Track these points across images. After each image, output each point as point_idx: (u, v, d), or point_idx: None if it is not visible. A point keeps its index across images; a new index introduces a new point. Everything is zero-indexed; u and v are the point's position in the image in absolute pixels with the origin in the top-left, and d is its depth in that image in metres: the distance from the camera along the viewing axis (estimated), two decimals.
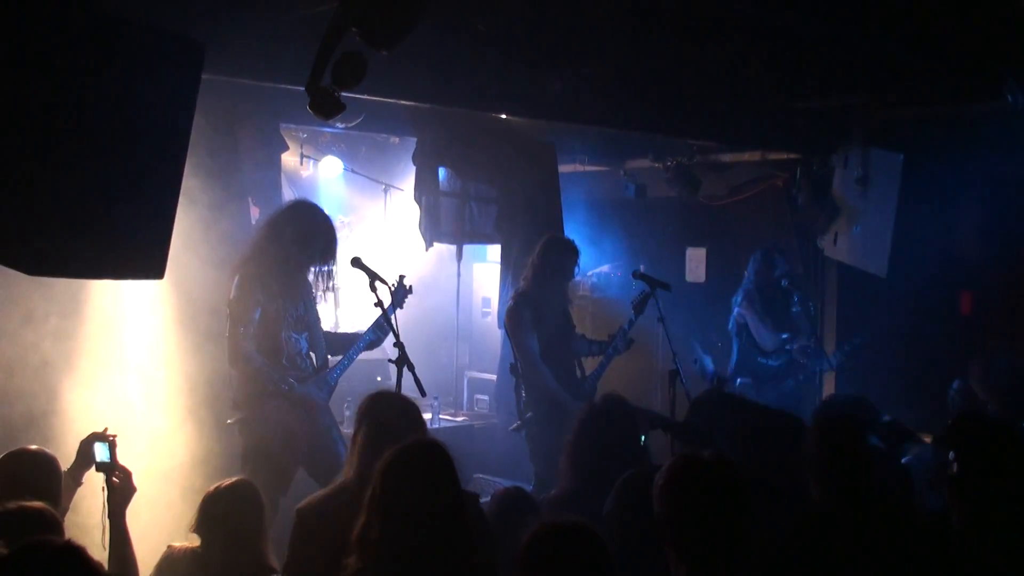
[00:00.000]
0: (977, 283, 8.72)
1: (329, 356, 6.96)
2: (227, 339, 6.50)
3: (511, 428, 7.73)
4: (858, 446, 4.59)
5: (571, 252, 7.63)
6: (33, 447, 4.75)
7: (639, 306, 7.71)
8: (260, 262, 6.56)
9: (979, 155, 7.99)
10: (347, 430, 7.07)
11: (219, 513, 4.54)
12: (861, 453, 4.57)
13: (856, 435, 4.64)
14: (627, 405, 5.41)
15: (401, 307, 7.08)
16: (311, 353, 6.78)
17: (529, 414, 7.46)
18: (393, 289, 7.03)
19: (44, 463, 4.62)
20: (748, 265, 8.78)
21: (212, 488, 4.67)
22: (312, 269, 6.76)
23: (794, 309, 8.60)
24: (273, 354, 6.53)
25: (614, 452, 5.06)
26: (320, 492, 4.73)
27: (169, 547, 4.67)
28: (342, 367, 6.87)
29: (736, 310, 8.69)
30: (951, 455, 4.21)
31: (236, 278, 6.54)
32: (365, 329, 7.05)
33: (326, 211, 7.01)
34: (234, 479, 4.77)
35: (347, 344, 6.99)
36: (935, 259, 8.58)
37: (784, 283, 8.59)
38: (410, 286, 7.21)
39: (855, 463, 4.49)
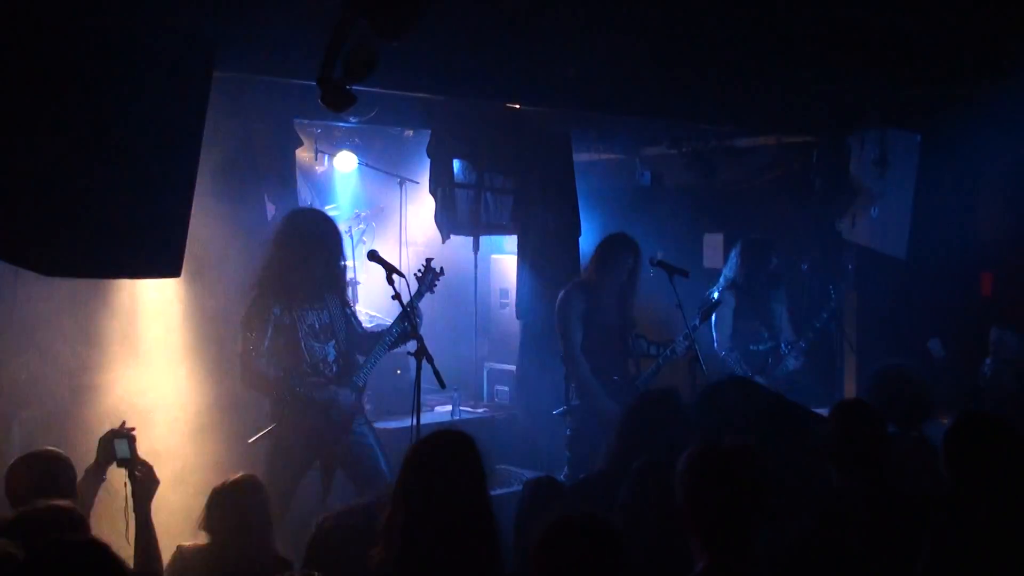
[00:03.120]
0: (998, 263, 8.65)
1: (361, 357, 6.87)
2: (239, 360, 6.47)
3: (555, 412, 7.75)
4: (876, 430, 4.59)
5: (630, 248, 7.61)
6: (47, 448, 4.77)
7: (706, 313, 7.67)
8: (273, 278, 6.52)
9: (997, 134, 7.93)
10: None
11: (226, 508, 4.54)
12: (879, 437, 4.58)
13: (873, 418, 4.65)
14: (678, 400, 5.46)
15: (432, 291, 7.04)
16: (340, 360, 6.68)
17: (576, 402, 7.50)
18: (420, 274, 7.01)
19: (58, 464, 4.64)
20: (732, 255, 8.61)
21: (219, 484, 4.67)
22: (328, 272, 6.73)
23: (776, 306, 8.45)
24: (294, 364, 6.48)
25: (658, 441, 5.05)
26: (345, 506, 4.75)
27: (178, 547, 4.66)
28: (367, 368, 6.76)
29: (716, 293, 8.51)
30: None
31: (251, 297, 6.52)
32: (390, 325, 6.98)
33: (329, 212, 6.99)
34: (240, 474, 4.77)
35: (375, 343, 6.86)
36: (955, 240, 8.53)
37: (774, 261, 8.46)
38: (440, 268, 7.15)
39: (873, 447, 4.50)
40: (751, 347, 8.25)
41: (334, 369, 6.63)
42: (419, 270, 7.04)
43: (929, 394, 5.71)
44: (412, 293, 6.69)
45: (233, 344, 6.56)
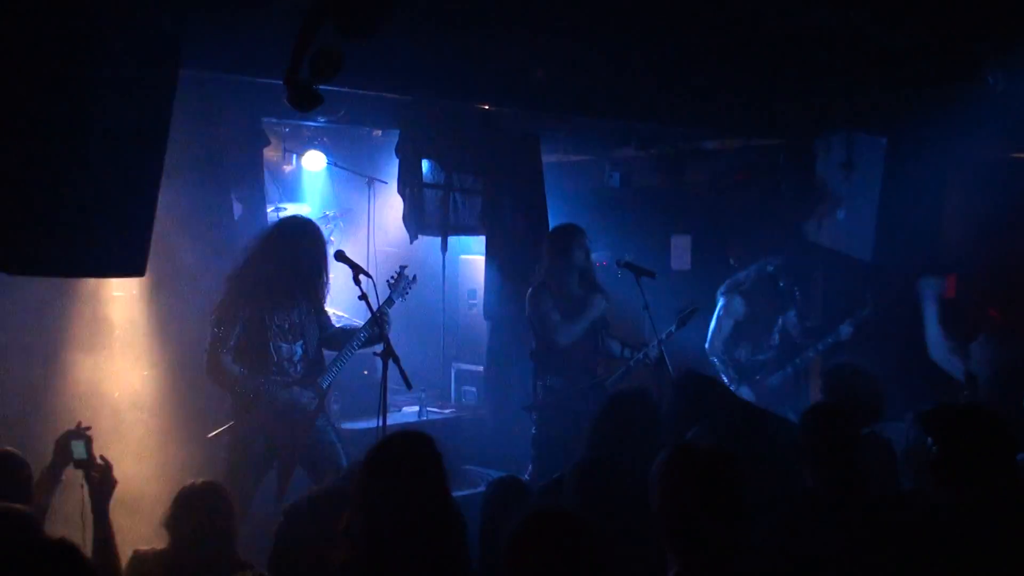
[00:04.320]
0: (962, 266, 8.71)
1: (331, 352, 6.88)
2: (206, 351, 6.46)
3: (522, 407, 7.74)
4: (845, 431, 4.63)
5: (574, 235, 7.57)
6: (3, 448, 4.70)
7: (682, 320, 7.65)
8: (250, 275, 6.52)
9: (962, 137, 7.98)
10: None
11: (189, 512, 4.52)
12: (849, 438, 4.62)
13: (842, 420, 4.70)
14: (652, 400, 5.47)
15: (404, 297, 7.09)
16: (306, 359, 6.68)
17: (543, 399, 7.48)
18: (393, 281, 7.05)
19: (13, 462, 4.58)
20: (752, 267, 8.59)
21: (184, 487, 4.65)
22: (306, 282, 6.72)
23: (781, 320, 8.48)
24: (260, 362, 6.49)
25: (631, 441, 5.06)
26: (308, 492, 4.73)
27: (135, 551, 4.64)
28: (333, 371, 6.79)
29: (722, 300, 8.55)
30: (929, 441, 4.20)
31: (224, 289, 6.52)
32: (359, 329, 6.98)
33: (314, 220, 6.98)
34: (204, 479, 4.75)
35: (345, 339, 6.90)
36: (920, 242, 8.57)
37: (770, 268, 8.50)
38: (414, 275, 7.16)
39: (843, 448, 4.54)
40: (753, 356, 8.29)
41: (299, 368, 6.63)
42: (392, 276, 7.04)
43: (883, 392, 5.79)
44: (380, 297, 6.67)
45: (201, 341, 6.54)
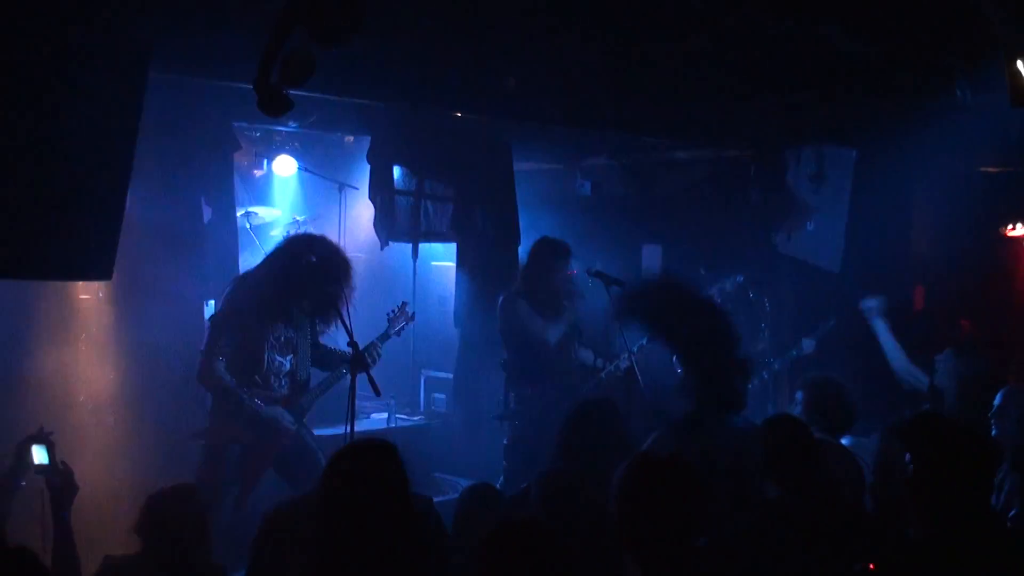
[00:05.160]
0: (930, 278, 8.77)
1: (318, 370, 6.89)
2: (201, 352, 6.43)
3: (493, 416, 7.73)
4: (804, 440, 4.67)
5: (559, 252, 7.60)
6: None
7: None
8: (260, 283, 6.52)
9: (931, 150, 8.04)
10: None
11: (161, 516, 4.47)
12: (807, 447, 4.65)
13: (801, 430, 4.74)
14: (616, 409, 5.46)
15: (399, 335, 7.21)
16: (293, 375, 6.67)
17: (516, 408, 7.47)
18: (392, 316, 7.15)
19: None
20: (721, 281, 8.62)
21: (155, 491, 4.60)
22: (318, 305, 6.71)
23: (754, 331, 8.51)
24: (249, 370, 6.47)
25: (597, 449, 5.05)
26: (288, 498, 4.70)
27: (106, 557, 4.57)
28: (315, 394, 6.80)
29: None
30: (907, 456, 4.16)
31: (228, 291, 6.51)
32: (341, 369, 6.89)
33: (329, 238, 6.95)
34: (176, 482, 4.70)
35: (335, 362, 6.88)
36: (889, 254, 8.63)
37: (739, 279, 8.53)
38: (412, 312, 7.23)
39: (803, 457, 4.58)
40: None
41: (283, 384, 6.63)
42: (392, 310, 7.05)
43: (855, 404, 5.85)
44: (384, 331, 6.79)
45: (170, 345, 6.51)
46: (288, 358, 6.63)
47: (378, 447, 3.89)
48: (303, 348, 6.73)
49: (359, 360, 6.21)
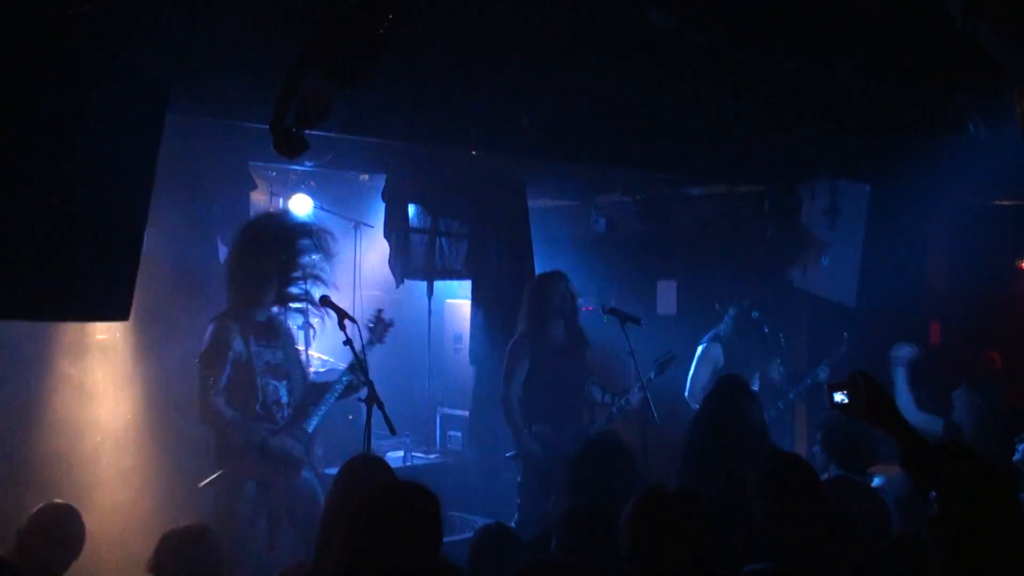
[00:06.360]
0: (945, 313, 8.75)
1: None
2: (197, 396, 6.35)
3: (508, 455, 7.71)
4: (803, 476, 4.59)
5: (552, 283, 7.62)
6: None
7: (661, 366, 7.64)
8: (234, 305, 6.51)
9: (944, 185, 8.05)
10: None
11: (174, 555, 4.47)
12: (808, 483, 4.58)
13: (800, 466, 4.65)
14: (621, 444, 5.43)
15: (382, 341, 7.06)
16: (292, 403, 6.64)
17: (529, 446, 7.44)
18: (371, 325, 7.02)
19: None
20: (727, 315, 8.65)
21: (170, 529, 4.60)
22: (284, 288, 6.70)
23: (763, 366, 8.49)
24: (248, 401, 6.43)
25: (607, 487, 5.02)
26: (308, 561, 4.67)
27: None
28: (319, 415, 6.73)
29: (700, 347, 8.57)
30: (932, 495, 4.07)
31: (211, 326, 6.45)
32: (340, 374, 6.94)
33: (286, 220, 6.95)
34: (194, 522, 4.70)
35: (324, 392, 6.83)
36: (904, 289, 8.61)
37: (755, 314, 8.52)
38: (390, 319, 7.15)
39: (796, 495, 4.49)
40: None
41: (285, 413, 6.59)
42: (371, 321, 7.04)
43: (873, 438, 5.78)
44: (363, 342, 6.66)
45: (186, 384, 6.51)
46: (283, 383, 6.60)
47: (419, 495, 3.51)
48: (296, 374, 6.72)
49: (375, 398, 6.19)
